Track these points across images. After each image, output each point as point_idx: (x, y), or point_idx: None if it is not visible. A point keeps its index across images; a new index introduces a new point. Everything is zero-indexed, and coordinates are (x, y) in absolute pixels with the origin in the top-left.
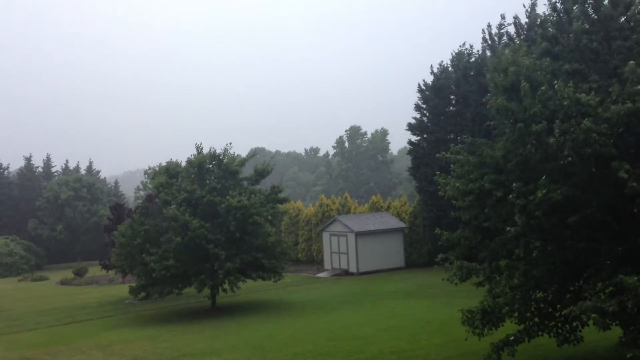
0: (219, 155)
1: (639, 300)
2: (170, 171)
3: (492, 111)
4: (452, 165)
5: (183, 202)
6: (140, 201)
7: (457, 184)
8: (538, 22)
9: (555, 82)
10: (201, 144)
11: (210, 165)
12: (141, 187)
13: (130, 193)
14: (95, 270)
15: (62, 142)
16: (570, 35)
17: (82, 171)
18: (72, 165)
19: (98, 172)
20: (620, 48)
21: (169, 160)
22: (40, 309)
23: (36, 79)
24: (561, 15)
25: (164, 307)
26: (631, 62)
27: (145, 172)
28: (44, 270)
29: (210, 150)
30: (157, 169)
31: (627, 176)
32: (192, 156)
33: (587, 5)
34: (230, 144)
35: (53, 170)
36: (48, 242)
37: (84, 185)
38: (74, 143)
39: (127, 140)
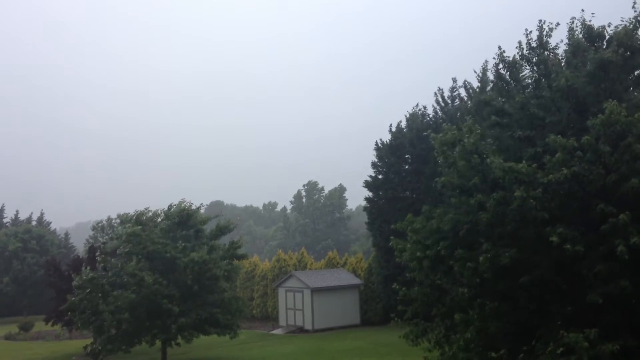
0: (190, 212)
1: (581, 357)
2: (141, 221)
3: (438, 186)
4: (408, 233)
5: (147, 255)
6: (86, 254)
7: (416, 252)
8: (483, 98)
9: (485, 155)
10: (184, 200)
11: (179, 221)
12: (91, 240)
13: (80, 245)
14: (41, 325)
15: (13, 192)
16: (517, 101)
17: (33, 222)
18: (23, 216)
19: (49, 223)
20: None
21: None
22: None
23: None
24: (507, 83)
25: None
26: (551, 134)
27: (94, 228)
28: None
29: (185, 205)
30: (128, 216)
31: (559, 240)
32: (170, 208)
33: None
34: (206, 205)
35: (5, 220)
36: None
37: (34, 237)
38: (27, 193)
39: (79, 192)
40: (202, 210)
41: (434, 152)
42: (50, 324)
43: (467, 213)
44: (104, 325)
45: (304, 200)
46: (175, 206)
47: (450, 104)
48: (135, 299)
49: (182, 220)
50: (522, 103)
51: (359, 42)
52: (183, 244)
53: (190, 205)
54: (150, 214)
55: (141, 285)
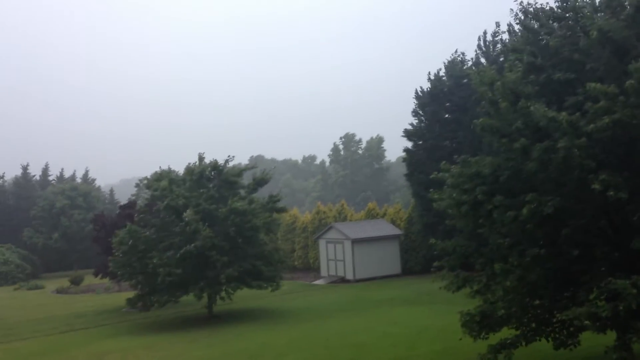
0: (220, 165)
1: (629, 304)
2: (167, 177)
3: (477, 130)
4: (447, 177)
5: (179, 210)
6: (141, 206)
7: (453, 194)
8: (511, 45)
9: (528, 102)
10: (203, 153)
11: (211, 175)
12: (132, 198)
13: (125, 201)
14: (91, 278)
15: (59, 151)
16: (551, 45)
17: (78, 180)
18: (67, 174)
19: (94, 180)
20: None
21: (164, 168)
22: (36, 318)
23: (36, 91)
24: (536, 30)
25: (160, 315)
26: (590, 82)
27: (137, 185)
28: (40, 278)
29: (211, 160)
30: (153, 175)
31: (602, 187)
32: (194, 164)
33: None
34: (233, 156)
35: (50, 179)
36: (44, 251)
37: (80, 194)
38: (72, 152)
39: (124, 149)
40: (240, 163)
41: (477, 89)
42: (99, 277)
43: (508, 159)
44: (154, 275)
45: (341, 152)
46: (195, 164)
47: (492, 49)
48: (192, 250)
49: (210, 176)
50: (555, 48)
51: None
52: (213, 191)
53: (216, 161)
54: (177, 171)
55: (194, 237)
